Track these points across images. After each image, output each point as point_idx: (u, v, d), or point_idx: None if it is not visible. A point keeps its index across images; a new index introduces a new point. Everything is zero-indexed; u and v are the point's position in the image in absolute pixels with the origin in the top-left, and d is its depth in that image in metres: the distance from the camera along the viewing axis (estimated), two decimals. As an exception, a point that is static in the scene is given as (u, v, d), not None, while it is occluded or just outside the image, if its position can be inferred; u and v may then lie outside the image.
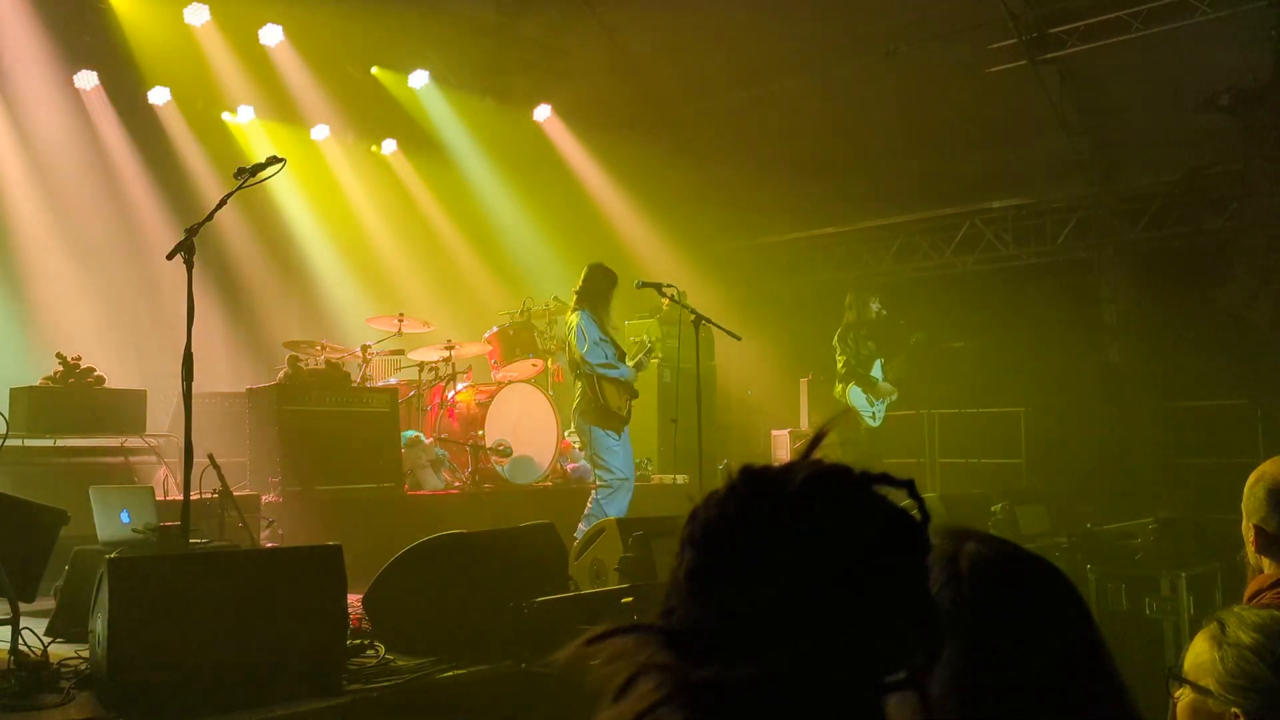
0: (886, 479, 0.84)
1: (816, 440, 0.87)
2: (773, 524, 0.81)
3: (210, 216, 4.22)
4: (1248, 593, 2.33)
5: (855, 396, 8.36)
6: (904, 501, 0.86)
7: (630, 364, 6.97)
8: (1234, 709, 1.61)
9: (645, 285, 6.72)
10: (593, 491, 6.94)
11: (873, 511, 0.81)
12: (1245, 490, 2.43)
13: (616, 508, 6.67)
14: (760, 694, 0.76)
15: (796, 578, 0.78)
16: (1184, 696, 1.70)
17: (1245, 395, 8.97)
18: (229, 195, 4.33)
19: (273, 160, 4.37)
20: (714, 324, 6.58)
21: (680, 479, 7.97)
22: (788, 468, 0.84)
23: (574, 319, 6.88)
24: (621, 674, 0.80)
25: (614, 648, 0.82)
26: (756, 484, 0.84)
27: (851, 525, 0.80)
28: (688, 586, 0.83)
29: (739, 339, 6.71)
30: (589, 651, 0.82)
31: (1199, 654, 1.70)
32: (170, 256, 4.04)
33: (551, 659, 0.85)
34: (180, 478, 5.72)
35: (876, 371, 8.42)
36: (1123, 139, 10.01)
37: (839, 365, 8.45)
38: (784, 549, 0.80)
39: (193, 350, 4.14)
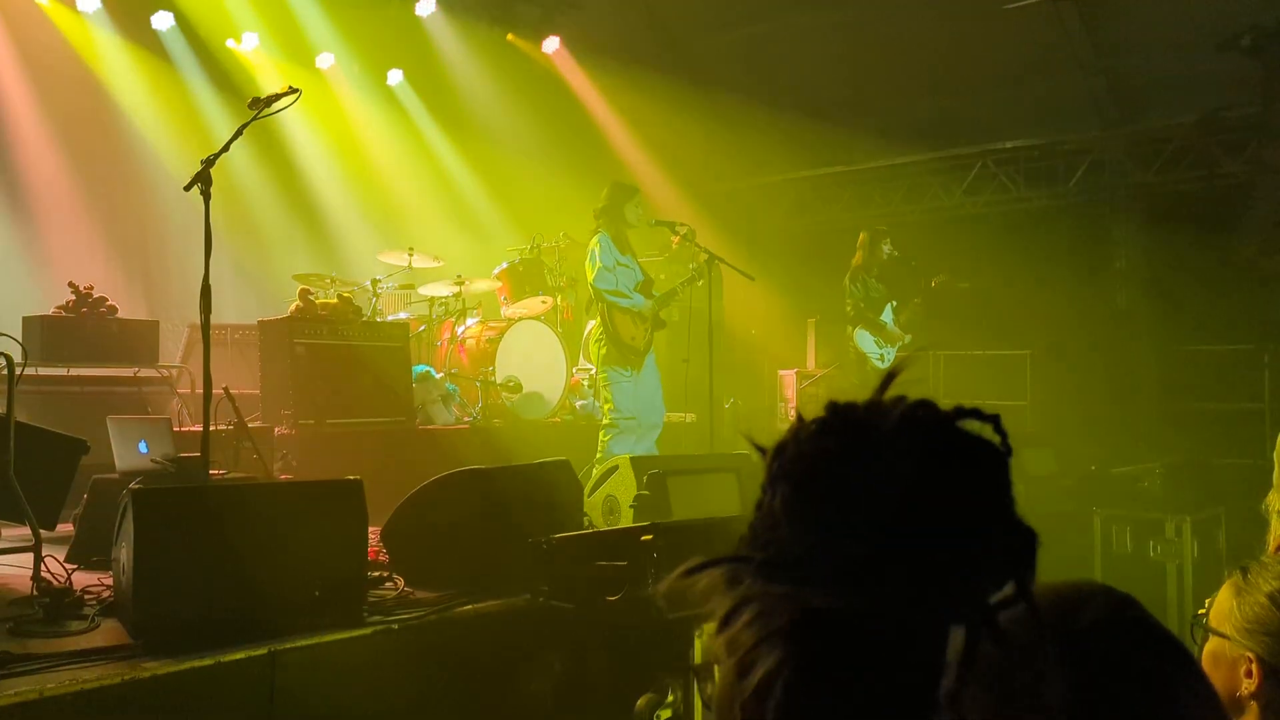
0: (975, 413, 0.86)
1: (890, 379, 0.89)
2: (874, 457, 0.82)
3: (226, 147, 4.18)
4: (1273, 544, 2.34)
5: (863, 339, 8.35)
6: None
7: (658, 292, 6.69)
8: (1248, 653, 1.64)
9: (658, 223, 6.64)
10: (600, 432, 6.73)
11: (963, 443, 0.84)
12: (1279, 443, 2.42)
13: (622, 448, 6.39)
14: (882, 614, 0.78)
15: (900, 506, 0.80)
16: (1206, 645, 1.73)
17: (1253, 340, 8.97)
18: (244, 126, 4.28)
19: (288, 90, 4.31)
20: (726, 263, 6.53)
21: (690, 418, 7.99)
22: (878, 404, 0.86)
23: (592, 242, 6.61)
24: (726, 603, 0.81)
25: (712, 578, 0.83)
26: (852, 420, 0.85)
27: (945, 456, 0.83)
28: (786, 518, 0.83)
29: (752, 279, 6.66)
30: (687, 582, 0.83)
31: (1221, 602, 1.73)
32: (188, 188, 4.01)
33: (652, 591, 0.87)
34: (195, 409, 5.76)
35: (887, 315, 8.39)
36: (1140, 79, 9.86)
37: (847, 307, 8.41)
38: (887, 479, 0.81)
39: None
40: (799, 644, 0.78)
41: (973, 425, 0.87)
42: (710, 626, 0.84)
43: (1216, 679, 1.68)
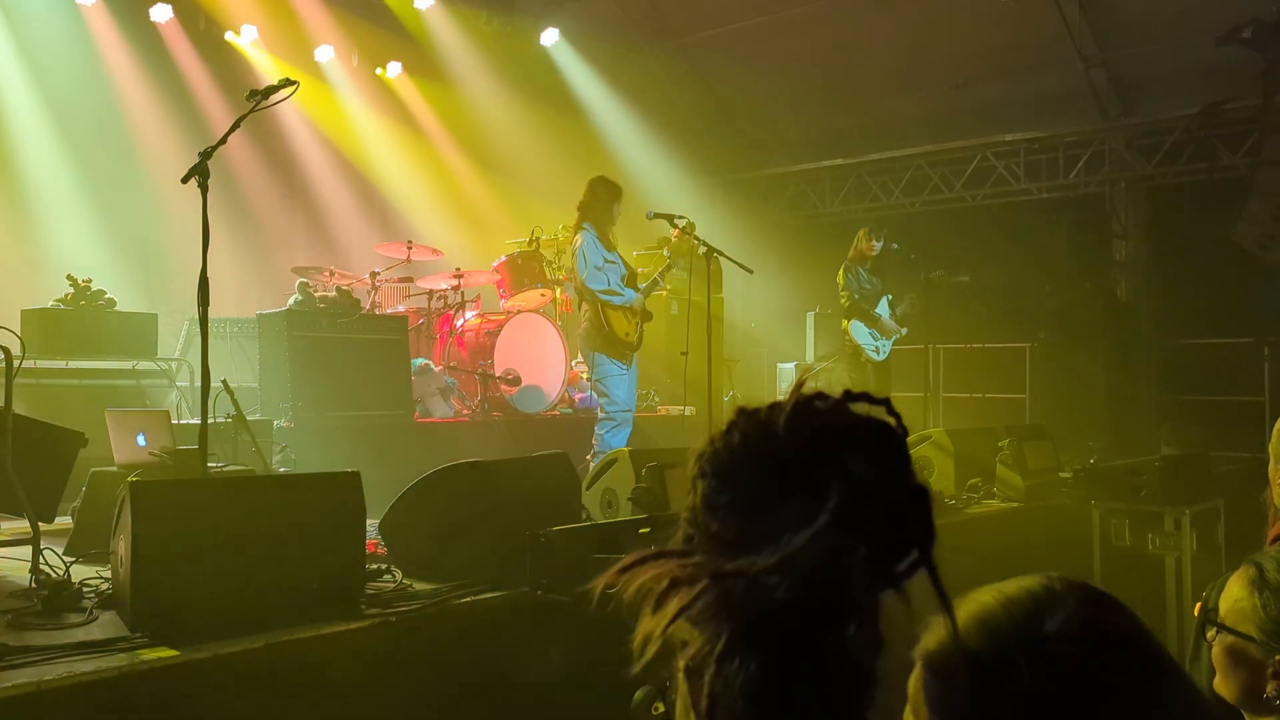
0: (865, 397, 0.94)
1: (799, 387, 0.97)
2: (773, 446, 0.91)
3: (224, 140, 4.16)
4: (1270, 535, 2.33)
5: (857, 331, 8.35)
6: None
7: (643, 284, 6.73)
8: (1278, 656, 1.60)
9: (657, 216, 6.62)
10: (596, 425, 6.78)
11: (853, 425, 0.91)
12: (1274, 433, 2.41)
13: (619, 440, 6.50)
14: (785, 573, 0.84)
15: (798, 484, 0.88)
16: (1221, 641, 1.69)
17: (1253, 333, 8.96)
18: (242, 118, 4.26)
19: (286, 82, 4.30)
20: (725, 256, 6.52)
21: (688, 410, 7.98)
22: (778, 403, 0.95)
23: (577, 240, 6.61)
24: (658, 588, 0.87)
25: (646, 571, 0.88)
26: (753, 419, 0.94)
27: (831, 438, 0.90)
28: (705, 511, 0.92)
29: (751, 272, 6.65)
30: (623, 578, 0.88)
31: (1237, 599, 1.68)
32: (185, 180, 3.99)
33: (589, 585, 0.91)
34: (194, 401, 5.75)
35: (882, 308, 8.39)
36: (1140, 71, 9.85)
37: (843, 300, 8.41)
38: (785, 464, 0.90)
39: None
40: (718, 608, 0.85)
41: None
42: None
43: (1235, 678, 1.66)
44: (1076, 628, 1.00)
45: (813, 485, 0.87)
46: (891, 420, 0.92)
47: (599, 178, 6.79)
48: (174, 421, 5.42)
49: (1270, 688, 1.61)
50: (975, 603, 1.04)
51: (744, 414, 0.96)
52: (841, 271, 8.41)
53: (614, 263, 6.63)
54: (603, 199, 6.61)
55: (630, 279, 6.70)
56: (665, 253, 6.68)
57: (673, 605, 0.85)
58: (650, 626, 0.86)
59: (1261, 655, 1.62)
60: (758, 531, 0.87)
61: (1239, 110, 9.14)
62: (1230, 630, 1.67)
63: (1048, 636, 0.99)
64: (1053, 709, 0.96)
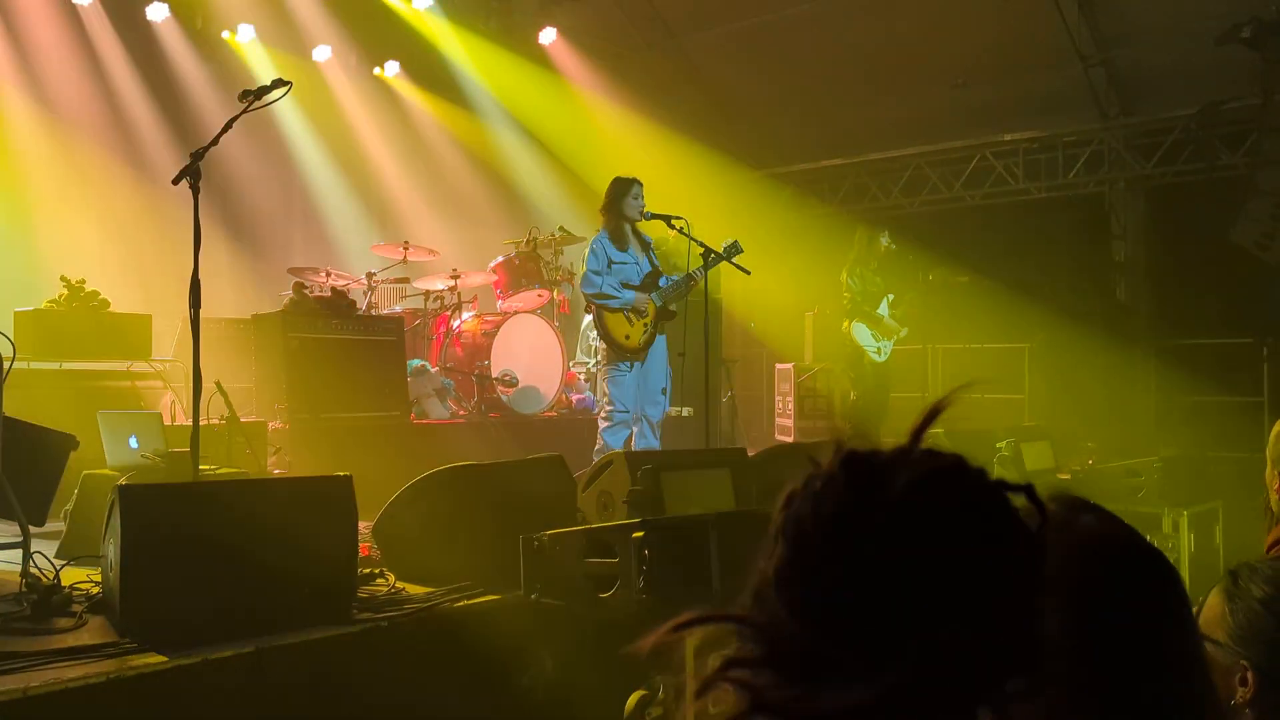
0: (1003, 485, 0.77)
1: (930, 418, 0.78)
2: (872, 530, 0.73)
3: (216, 140, 4.14)
4: (1269, 540, 2.31)
5: (859, 332, 8.31)
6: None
7: (666, 281, 6.69)
8: (1242, 661, 1.61)
9: (654, 216, 6.58)
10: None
11: (988, 523, 0.74)
12: (1271, 438, 2.39)
13: (615, 439, 6.51)
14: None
15: (895, 594, 0.71)
16: None
17: (1252, 333, 8.94)
18: (235, 118, 4.24)
19: (279, 83, 4.28)
20: (723, 257, 6.49)
21: (686, 411, 7.96)
22: (894, 460, 0.76)
23: (589, 244, 6.68)
24: (705, 673, 0.76)
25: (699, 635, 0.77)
26: (858, 478, 0.76)
27: (962, 538, 0.73)
28: (775, 585, 0.76)
29: (748, 273, 6.62)
30: (676, 636, 0.77)
31: (1212, 606, 1.68)
32: (176, 181, 3.97)
33: (638, 645, 0.79)
34: (187, 403, 5.72)
35: (883, 309, 8.36)
36: (1139, 71, 9.82)
37: (845, 300, 8.38)
38: (882, 561, 0.72)
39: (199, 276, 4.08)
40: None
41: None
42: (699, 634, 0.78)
43: None
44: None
45: (916, 601, 0.70)
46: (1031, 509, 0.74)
47: (614, 178, 6.76)
48: (167, 423, 5.40)
49: (1238, 695, 1.61)
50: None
51: (851, 465, 0.76)
52: (846, 271, 8.37)
53: (626, 263, 6.58)
54: (614, 197, 6.57)
55: (652, 277, 6.66)
56: (724, 244, 6.52)
57: (714, 702, 0.74)
58: (694, 710, 0.75)
59: (1228, 661, 1.62)
60: (829, 648, 0.71)
61: (1238, 110, 9.10)
62: (1203, 637, 1.67)
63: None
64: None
